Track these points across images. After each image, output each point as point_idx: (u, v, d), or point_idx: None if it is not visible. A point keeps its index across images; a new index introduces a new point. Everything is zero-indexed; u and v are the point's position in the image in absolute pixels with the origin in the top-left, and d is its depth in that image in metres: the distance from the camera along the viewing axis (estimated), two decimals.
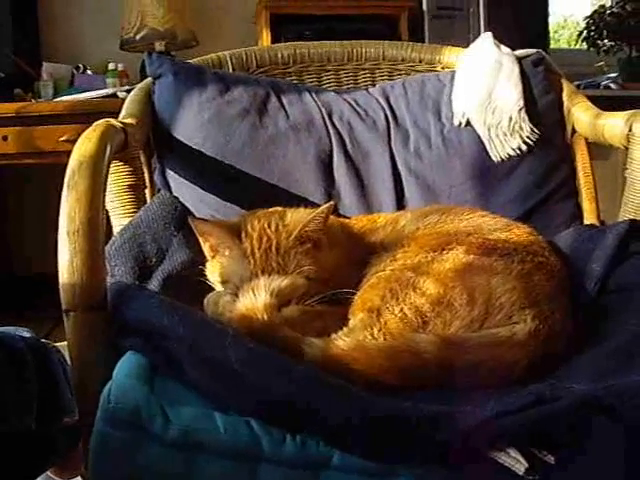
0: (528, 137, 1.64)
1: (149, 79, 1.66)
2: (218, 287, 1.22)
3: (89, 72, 3.04)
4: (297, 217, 1.22)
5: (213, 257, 1.23)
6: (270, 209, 1.29)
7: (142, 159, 1.54)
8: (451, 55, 1.83)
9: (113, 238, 1.28)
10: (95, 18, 3.22)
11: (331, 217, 1.26)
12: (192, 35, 3.07)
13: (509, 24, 3.00)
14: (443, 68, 1.83)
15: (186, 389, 0.89)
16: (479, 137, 1.66)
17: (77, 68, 3.03)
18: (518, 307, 1.05)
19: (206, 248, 1.24)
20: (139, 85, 1.67)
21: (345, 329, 1.07)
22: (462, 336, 1.02)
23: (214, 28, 3.24)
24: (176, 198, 1.45)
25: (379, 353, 0.98)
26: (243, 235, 1.20)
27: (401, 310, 1.06)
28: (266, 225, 1.20)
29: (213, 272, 1.22)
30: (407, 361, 0.98)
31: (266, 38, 2.97)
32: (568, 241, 1.41)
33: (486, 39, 1.78)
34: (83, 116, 2.32)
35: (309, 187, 1.58)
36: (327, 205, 1.22)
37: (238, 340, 0.94)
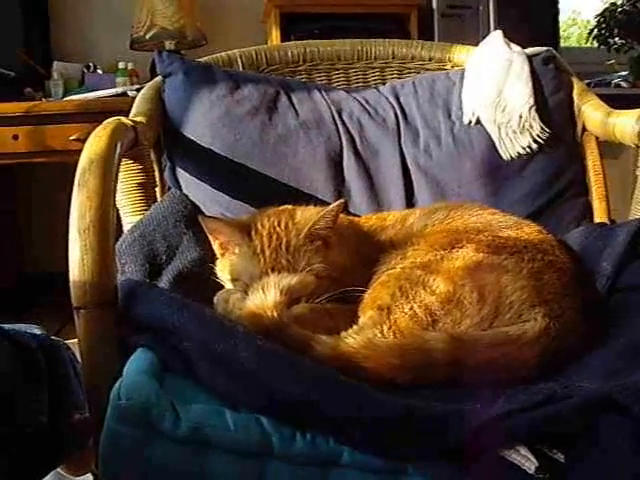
0: (538, 135, 1.63)
1: (159, 78, 1.66)
2: (228, 285, 1.22)
3: (99, 71, 3.06)
4: (307, 215, 1.23)
5: (223, 255, 1.24)
6: (280, 207, 1.29)
7: (152, 157, 1.54)
8: (461, 53, 1.82)
9: (123, 236, 1.28)
10: (105, 17, 3.23)
11: (341, 215, 1.26)
12: (202, 34, 3.08)
13: (519, 22, 2.99)
14: (453, 66, 1.83)
15: (196, 386, 0.90)
16: (489, 135, 1.66)
17: (87, 67, 3.04)
18: (528, 305, 1.04)
19: (216, 246, 1.24)
20: (149, 84, 1.68)
21: (355, 327, 1.07)
22: (472, 334, 1.02)
23: (224, 27, 3.24)
24: (186, 196, 1.45)
25: (389, 351, 0.98)
26: (253, 233, 1.20)
27: (411, 308, 1.06)
28: (276, 223, 1.21)
29: (223, 270, 1.23)
30: (417, 359, 0.98)
31: (276, 37, 2.97)
32: (578, 240, 1.40)
33: (496, 37, 1.77)
34: (93, 115, 2.32)
35: (319, 185, 1.58)
36: (337, 203, 1.22)
37: (248, 338, 0.94)
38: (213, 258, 1.25)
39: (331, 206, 1.21)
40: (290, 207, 1.28)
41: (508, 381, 0.96)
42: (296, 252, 1.17)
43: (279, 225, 1.21)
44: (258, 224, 1.21)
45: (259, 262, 1.17)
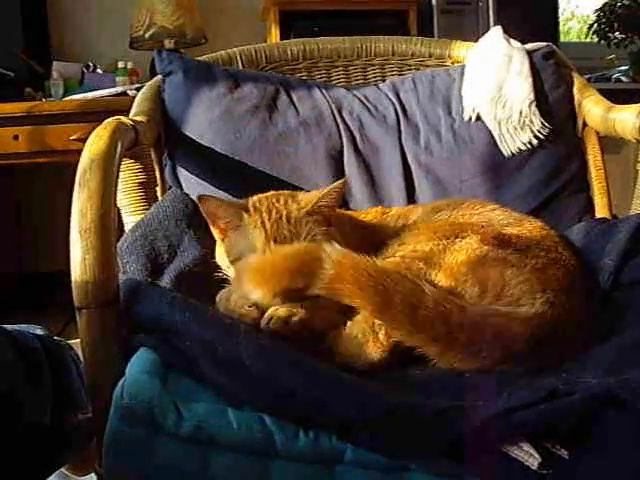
0: (539, 131, 1.63)
1: (159, 77, 1.66)
2: (230, 272, 1.19)
3: (99, 71, 3.05)
4: (309, 195, 1.21)
5: (223, 240, 1.21)
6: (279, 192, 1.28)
7: (153, 156, 1.54)
8: (461, 50, 1.82)
9: (125, 235, 1.28)
10: (104, 17, 3.23)
11: (341, 210, 1.25)
12: (201, 33, 3.07)
13: (518, 18, 2.98)
14: (453, 63, 1.82)
15: (199, 385, 0.90)
16: (489, 132, 1.65)
17: (87, 67, 3.03)
18: (529, 295, 1.04)
19: (215, 231, 1.22)
20: (149, 83, 1.68)
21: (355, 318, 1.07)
22: (463, 303, 1.03)
23: (223, 25, 3.24)
24: (187, 195, 1.45)
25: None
26: (252, 210, 1.18)
27: None
28: (274, 200, 1.19)
29: (223, 254, 1.20)
30: (407, 297, 0.98)
31: (275, 35, 2.97)
32: (580, 235, 1.40)
33: (496, 33, 1.77)
34: (93, 115, 2.32)
35: (320, 183, 1.57)
36: (341, 181, 1.21)
37: (250, 336, 0.94)
38: (214, 257, 1.25)
39: (335, 184, 1.20)
40: (289, 192, 1.27)
41: (499, 353, 0.97)
42: (298, 223, 1.15)
43: (278, 202, 1.19)
44: (256, 203, 1.20)
45: (260, 234, 1.14)
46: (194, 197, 1.45)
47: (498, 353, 0.97)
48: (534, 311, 1.02)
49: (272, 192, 1.26)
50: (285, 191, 1.27)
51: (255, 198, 1.22)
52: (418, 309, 0.97)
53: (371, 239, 1.28)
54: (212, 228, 1.23)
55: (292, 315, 1.05)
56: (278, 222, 1.15)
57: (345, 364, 1.01)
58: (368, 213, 1.40)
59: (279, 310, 1.06)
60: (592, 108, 1.66)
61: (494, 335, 0.98)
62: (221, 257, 1.21)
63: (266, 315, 1.06)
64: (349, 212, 1.42)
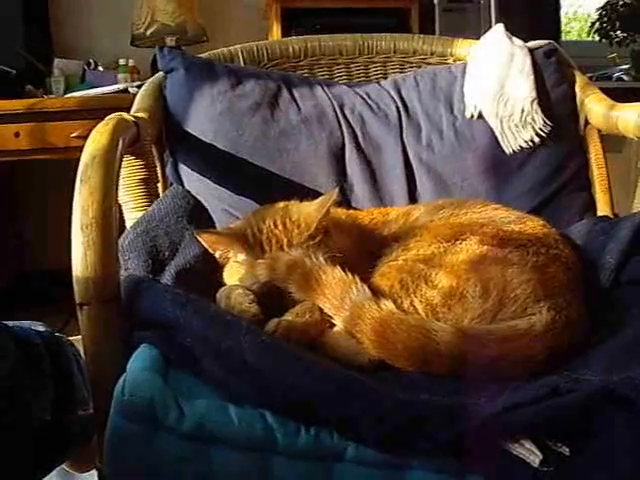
0: (540, 129, 1.63)
1: (160, 73, 1.66)
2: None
3: (100, 68, 3.05)
4: (304, 212, 1.21)
5: (225, 263, 1.23)
6: (273, 207, 1.28)
7: (154, 153, 1.53)
8: (463, 47, 1.82)
9: (126, 232, 1.28)
10: (106, 14, 3.22)
11: (341, 210, 1.25)
12: (202, 30, 3.07)
13: (520, 16, 2.99)
14: (455, 60, 1.82)
15: (200, 381, 0.90)
16: (491, 129, 1.65)
17: (88, 64, 3.03)
18: (533, 299, 1.04)
19: (217, 256, 1.24)
20: (151, 79, 1.67)
21: None
22: (480, 329, 1.01)
23: (224, 23, 3.24)
24: (188, 192, 1.44)
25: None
26: (251, 240, 1.20)
27: (411, 303, 1.06)
28: (272, 225, 1.20)
29: (230, 277, 1.22)
30: (420, 345, 0.97)
31: (277, 32, 2.96)
32: (581, 233, 1.40)
33: (498, 31, 1.77)
34: (94, 112, 2.31)
35: (321, 180, 1.58)
36: (334, 192, 1.22)
37: (251, 333, 0.93)
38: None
39: (328, 197, 1.22)
40: (282, 204, 1.28)
41: (517, 376, 0.95)
42: (299, 247, 1.17)
43: (276, 227, 1.20)
44: (255, 229, 1.21)
45: (263, 269, 1.16)
46: (195, 194, 1.45)
47: (516, 374, 0.97)
48: (545, 320, 1.02)
49: (268, 211, 1.26)
50: (279, 206, 1.27)
51: (253, 221, 1.23)
52: (430, 362, 0.98)
53: (372, 240, 1.29)
54: (213, 254, 1.25)
55: (295, 326, 1.06)
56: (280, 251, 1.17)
57: (344, 360, 1.01)
58: (370, 213, 1.40)
59: (282, 320, 1.06)
60: (594, 106, 1.66)
61: (513, 360, 0.98)
62: (228, 278, 1.22)
63: (271, 325, 1.06)
64: (352, 212, 1.42)
